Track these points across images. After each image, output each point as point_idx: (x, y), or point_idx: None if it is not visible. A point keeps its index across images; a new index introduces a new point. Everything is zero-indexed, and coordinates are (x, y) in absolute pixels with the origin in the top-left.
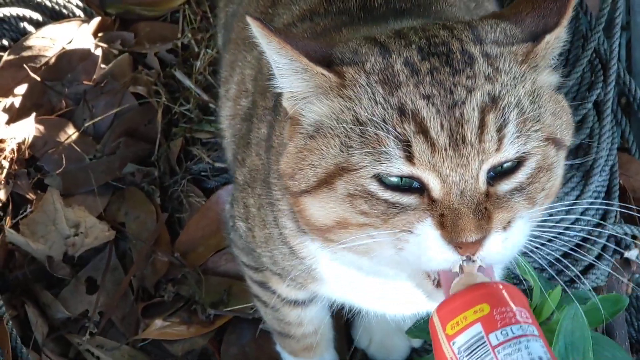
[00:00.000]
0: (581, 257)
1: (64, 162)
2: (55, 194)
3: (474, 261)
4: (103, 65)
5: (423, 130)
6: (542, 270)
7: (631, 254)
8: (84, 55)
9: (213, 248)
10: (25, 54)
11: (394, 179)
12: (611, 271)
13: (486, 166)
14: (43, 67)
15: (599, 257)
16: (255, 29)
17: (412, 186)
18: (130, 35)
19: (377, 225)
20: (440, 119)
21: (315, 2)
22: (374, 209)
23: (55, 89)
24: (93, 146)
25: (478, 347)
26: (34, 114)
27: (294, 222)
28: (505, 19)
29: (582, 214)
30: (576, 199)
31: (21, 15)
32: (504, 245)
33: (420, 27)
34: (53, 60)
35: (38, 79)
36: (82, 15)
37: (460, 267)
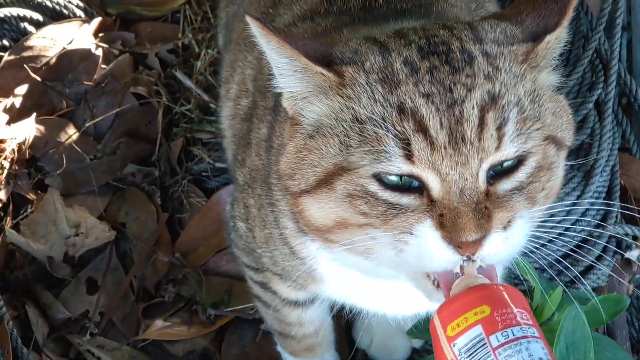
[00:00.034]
0: (582, 257)
1: (64, 162)
2: (55, 194)
3: (474, 261)
4: (104, 66)
5: (422, 129)
6: (542, 271)
7: (632, 254)
8: (85, 55)
9: (214, 248)
10: (26, 54)
11: (394, 178)
12: (611, 272)
13: (486, 164)
14: (44, 68)
15: (599, 257)
16: (255, 28)
17: (412, 185)
18: (130, 36)
19: (376, 225)
20: (440, 117)
21: (316, 2)
22: (373, 209)
23: (55, 89)
24: (94, 146)
25: (479, 348)
26: (34, 114)
27: (295, 222)
28: (506, 19)
29: (583, 214)
30: (577, 199)
31: (22, 15)
32: (504, 245)
33: (420, 27)
34: (54, 60)
35: (39, 79)
36: (82, 15)
37: (461, 268)
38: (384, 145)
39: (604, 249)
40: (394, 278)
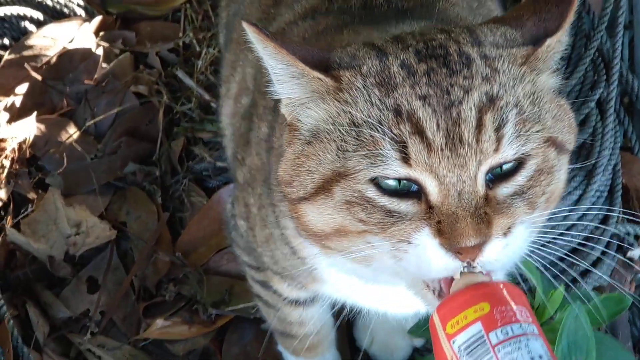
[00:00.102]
0: (583, 257)
1: (65, 161)
2: (56, 194)
3: (474, 267)
4: (104, 65)
5: (419, 131)
6: (544, 270)
7: (634, 253)
8: (85, 54)
9: (214, 247)
10: (27, 53)
11: (391, 183)
12: (617, 267)
13: (484, 167)
14: (44, 67)
15: (601, 256)
16: (251, 34)
17: (410, 190)
18: (131, 35)
19: (375, 232)
20: (437, 119)
21: (317, 1)
22: (371, 216)
23: (56, 88)
24: (94, 145)
25: (478, 345)
26: (35, 113)
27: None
28: (506, 23)
29: (585, 213)
30: (579, 198)
31: (22, 14)
32: (504, 251)
33: (418, 32)
34: (54, 59)
35: (39, 78)
36: (83, 14)
37: (461, 274)
38: (381, 149)
39: (606, 248)
40: (394, 285)
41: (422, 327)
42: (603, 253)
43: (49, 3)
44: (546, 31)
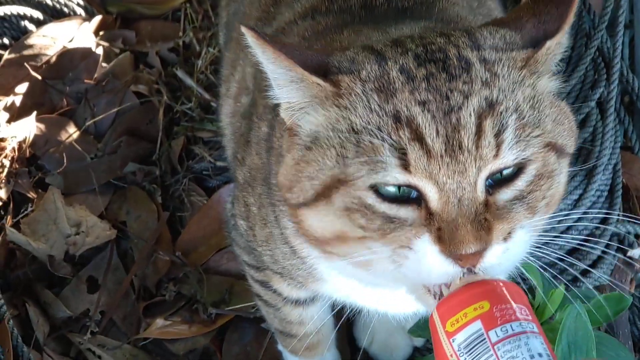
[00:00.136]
0: (584, 256)
1: (65, 161)
2: (56, 193)
3: (475, 273)
4: (104, 64)
5: (418, 137)
6: (544, 269)
7: (634, 252)
8: (85, 53)
9: (214, 247)
10: (26, 52)
11: (391, 189)
12: (620, 264)
13: (484, 173)
14: (44, 66)
15: (601, 256)
16: (250, 39)
17: (410, 197)
18: (131, 34)
19: (375, 238)
20: (436, 125)
21: (317, 0)
22: (371, 223)
23: (56, 87)
24: (94, 145)
25: (478, 344)
26: (34, 113)
27: None
28: (505, 25)
29: (585, 213)
30: (579, 197)
31: (22, 13)
32: (504, 255)
33: (417, 35)
34: (54, 58)
35: (39, 77)
36: (83, 13)
37: (460, 280)
38: (380, 155)
39: (606, 248)
40: (394, 289)
41: (423, 326)
42: (603, 252)
43: (49, 2)
44: (546, 33)
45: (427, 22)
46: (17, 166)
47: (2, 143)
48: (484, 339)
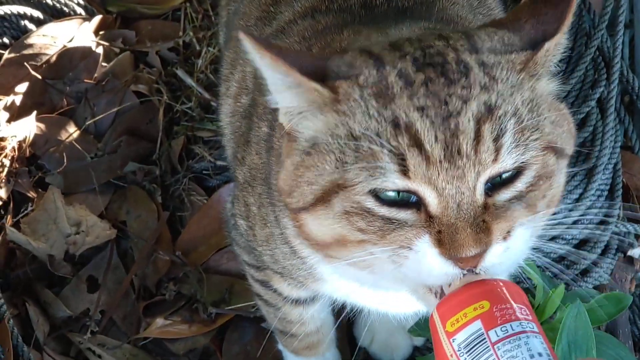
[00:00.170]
0: (584, 255)
1: (65, 160)
2: (56, 193)
3: (477, 273)
4: (104, 64)
5: (417, 143)
6: (545, 269)
7: (634, 252)
8: (85, 53)
9: (214, 246)
10: (26, 52)
11: (391, 194)
12: (621, 263)
13: (483, 178)
14: (44, 65)
15: (602, 254)
16: (248, 44)
17: (410, 201)
18: (131, 34)
19: (374, 241)
20: (435, 131)
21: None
22: (370, 225)
23: (56, 87)
24: (94, 145)
25: (478, 343)
26: (34, 112)
27: None
28: (504, 26)
29: (585, 212)
30: (579, 197)
31: (22, 13)
32: (505, 254)
33: (416, 38)
34: (54, 58)
35: (39, 77)
36: (83, 13)
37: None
38: (379, 161)
39: (606, 247)
40: (396, 290)
41: (423, 326)
42: (603, 252)
43: (49, 2)
44: (545, 34)
45: (427, 23)
46: (17, 166)
47: (2, 142)
48: (484, 338)
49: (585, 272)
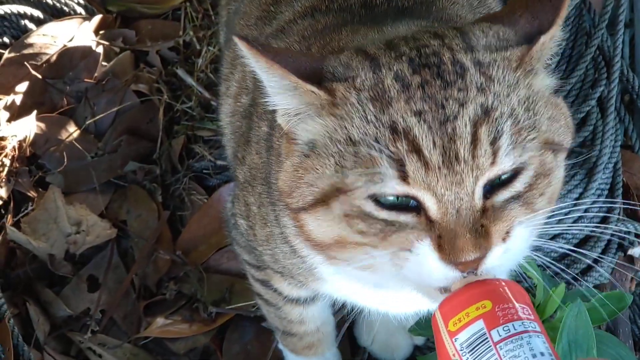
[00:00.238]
0: (584, 255)
1: (65, 160)
2: (56, 192)
3: (477, 275)
4: (104, 63)
5: (416, 149)
6: (545, 268)
7: (635, 251)
8: (85, 53)
9: (215, 246)
10: (27, 51)
11: (391, 198)
12: (619, 264)
13: (481, 182)
14: (44, 65)
15: (602, 254)
16: (243, 48)
17: (409, 205)
18: (131, 33)
19: (375, 244)
20: (433, 136)
21: None
22: (371, 227)
23: (56, 86)
24: (94, 144)
25: (480, 343)
26: (35, 112)
27: None
28: (499, 21)
29: (586, 211)
30: (579, 196)
31: (22, 12)
32: (505, 255)
33: (411, 37)
34: (54, 58)
35: (39, 76)
36: (83, 12)
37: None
38: (379, 167)
39: (607, 247)
40: (399, 290)
41: (423, 325)
42: (604, 251)
43: (49, 1)
44: (540, 28)
45: (425, 22)
46: (17, 165)
47: (2, 142)
48: (486, 338)
49: (585, 271)
